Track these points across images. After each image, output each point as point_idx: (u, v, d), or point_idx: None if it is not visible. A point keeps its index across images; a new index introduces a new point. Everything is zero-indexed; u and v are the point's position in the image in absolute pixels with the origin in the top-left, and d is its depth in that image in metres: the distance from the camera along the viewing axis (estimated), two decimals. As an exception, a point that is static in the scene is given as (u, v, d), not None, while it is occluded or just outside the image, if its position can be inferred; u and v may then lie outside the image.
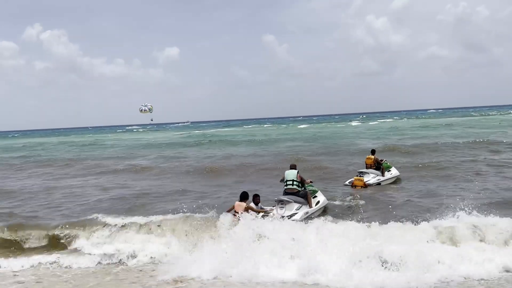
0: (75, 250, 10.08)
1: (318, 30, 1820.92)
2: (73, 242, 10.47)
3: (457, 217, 9.23)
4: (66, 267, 9.13)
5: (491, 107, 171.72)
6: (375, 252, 7.88)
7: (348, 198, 13.37)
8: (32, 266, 9.26)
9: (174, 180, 19.35)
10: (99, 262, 9.32)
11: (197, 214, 10.74)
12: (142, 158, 30.14)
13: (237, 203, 10.27)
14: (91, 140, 63.57)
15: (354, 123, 78.83)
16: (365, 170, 16.20)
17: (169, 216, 10.82)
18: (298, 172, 11.87)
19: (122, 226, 10.67)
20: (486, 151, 22.56)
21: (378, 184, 15.72)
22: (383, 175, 16.23)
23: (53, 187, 18.49)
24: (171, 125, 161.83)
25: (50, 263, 9.34)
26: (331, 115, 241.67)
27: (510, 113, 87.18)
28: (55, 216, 12.67)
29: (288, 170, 12.07)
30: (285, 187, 11.74)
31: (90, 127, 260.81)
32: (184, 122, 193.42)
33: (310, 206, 11.47)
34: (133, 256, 9.39)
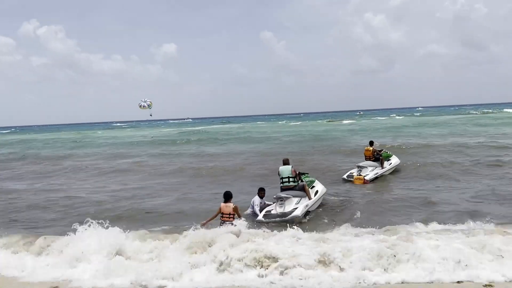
0: None
1: (316, 27, 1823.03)
2: None
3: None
4: None
5: (490, 105, 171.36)
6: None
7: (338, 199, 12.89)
8: None
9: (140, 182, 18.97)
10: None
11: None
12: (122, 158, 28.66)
13: (223, 204, 9.56)
14: (77, 137, 62.26)
15: (350, 121, 78.27)
16: (362, 164, 15.94)
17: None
18: (292, 167, 11.72)
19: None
20: (483, 150, 22.32)
21: (377, 178, 15.50)
22: (382, 166, 16.02)
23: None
24: (169, 122, 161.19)
25: None
26: (330, 112, 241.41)
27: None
28: None
29: (281, 166, 11.87)
30: (281, 185, 11.61)
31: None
32: (184, 119, 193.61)
33: (310, 198, 11.34)
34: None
